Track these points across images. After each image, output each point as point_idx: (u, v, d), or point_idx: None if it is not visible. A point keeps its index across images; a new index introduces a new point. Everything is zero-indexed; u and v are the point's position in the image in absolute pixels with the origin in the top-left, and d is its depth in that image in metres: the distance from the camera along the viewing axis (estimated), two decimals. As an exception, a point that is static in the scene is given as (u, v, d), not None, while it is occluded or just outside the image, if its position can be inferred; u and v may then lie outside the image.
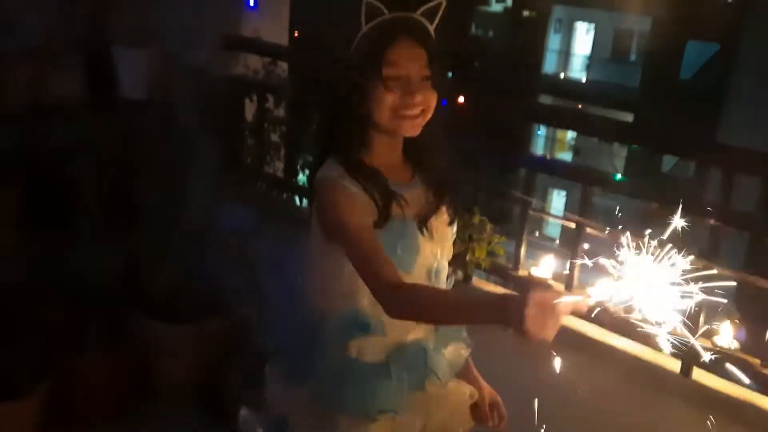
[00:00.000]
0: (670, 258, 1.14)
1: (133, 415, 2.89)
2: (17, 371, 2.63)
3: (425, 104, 1.43)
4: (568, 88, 17.00)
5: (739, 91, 10.84)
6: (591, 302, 1.17)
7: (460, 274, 2.49)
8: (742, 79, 10.81)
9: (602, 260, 1.18)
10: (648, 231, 1.16)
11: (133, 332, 2.95)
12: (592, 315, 1.19)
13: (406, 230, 1.46)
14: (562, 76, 18.19)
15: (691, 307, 1.12)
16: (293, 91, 3.09)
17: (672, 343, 1.14)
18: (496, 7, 18.79)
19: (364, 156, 1.46)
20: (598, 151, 14.17)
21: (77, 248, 2.99)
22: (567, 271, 2.46)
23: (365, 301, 1.44)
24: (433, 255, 1.53)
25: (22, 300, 2.80)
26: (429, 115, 1.45)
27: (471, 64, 15.39)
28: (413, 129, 1.44)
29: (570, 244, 2.47)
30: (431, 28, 1.45)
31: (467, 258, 2.44)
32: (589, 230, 2.38)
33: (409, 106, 1.41)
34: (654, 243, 1.15)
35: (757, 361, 2.07)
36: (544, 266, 2.53)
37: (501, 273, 2.56)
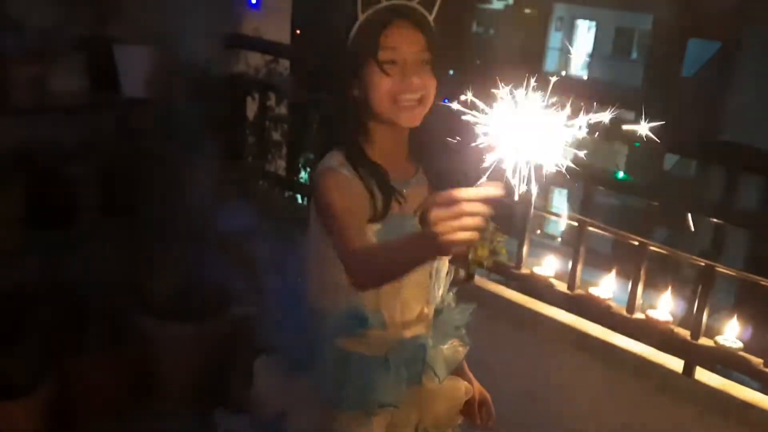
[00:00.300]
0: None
1: (134, 414, 2.89)
2: (18, 371, 2.63)
3: (424, 89, 1.41)
4: (569, 87, 16.97)
5: (740, 88, 10.83)
6: (494, 187, 1.03)
7: (462, 272, 2.49)
8: (743, 77, 10.80)
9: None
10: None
11: (134, 332, 2.95)
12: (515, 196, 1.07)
13: (406, 226, 1.46)
14: (563, 73, 18.18)
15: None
16: (295, 89, 3.08)
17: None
18: (497, 5, 18.78)
19: (367, 148, 1.46)
20: (599, 149, 14.15)
21: (78, 248, 2.99)
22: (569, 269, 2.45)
23: (364, 295, 1.43)
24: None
25: (23, 300, 2.79)
26: (429, 104, 1.43)
27: (472, 61, 15.38)
28: (412, 119, 1.43)
29: (572, 242, 2.46)
30: (430, 17, 1.44)
31: (469, 257, 2.43)
32: (590, 228, 2.37)
33: (407, 90, 1.40)
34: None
35: (759, 361, 2.06)
36: (547, 265, 2.52)
37: (503, 272, 2.56)
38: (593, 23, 18.03)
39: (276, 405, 1.59)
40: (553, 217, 3.23)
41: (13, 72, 2.75)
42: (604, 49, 17.64)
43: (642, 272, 2.26)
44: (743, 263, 3.62)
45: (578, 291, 2.40)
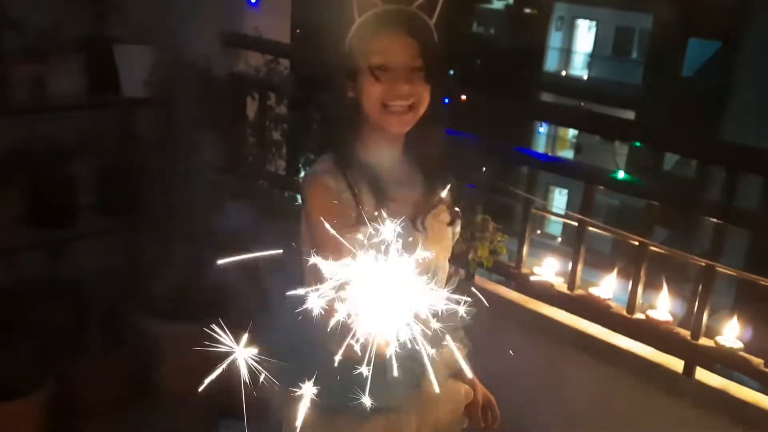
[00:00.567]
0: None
1: (134, 414, 2.89)
2: (18, 371, 2.63)
3: (415, 97, 1.40)
4: (570, 86, 16.97)
5: (740, 88, 10.83)
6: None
7: (462, 273, 2.49)
8: (744, 76, 10.80)
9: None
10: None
11: (134, 332, 2.95)
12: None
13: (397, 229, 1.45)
14: (563, 73, 18.17)
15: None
16: (295, 89, 3.08)
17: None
18: (497, 5, 18.76)
19: (360, 151, 1.46)
20: (600, 148, 14.15)
21: (77, 248, 2.99)
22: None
23: None
24: (436, 255, 1.52)
25: (23, 300, 2.80)
26: (420, 111, 1.43)
27: (472, 61, 15.37)
28: (400, 125, 1.43)
29: (572, 242, 2.46)
30: (430, 22, 1.43)
31: (470, 257, 2.43)
32: (591, 228, 2.37)
33: (396, 96, 1.39)
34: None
35: (760, 361, 2.06)
36: (547, 265, 2.52)
37: (503, 272, 2.56)
38: (593, 23, 18.02)
39: (275, 412, 1.58)
40: (554, 217, 3.23)
41: (13, 71, 2.75)
42: (604, 48, 17.63)
43: (642, 272, 2.26)
44: (743, 263, 3.62)
45: (578, 291, 2.40)
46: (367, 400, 1.46)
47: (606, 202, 12.25)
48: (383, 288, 1.01)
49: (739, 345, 2.10)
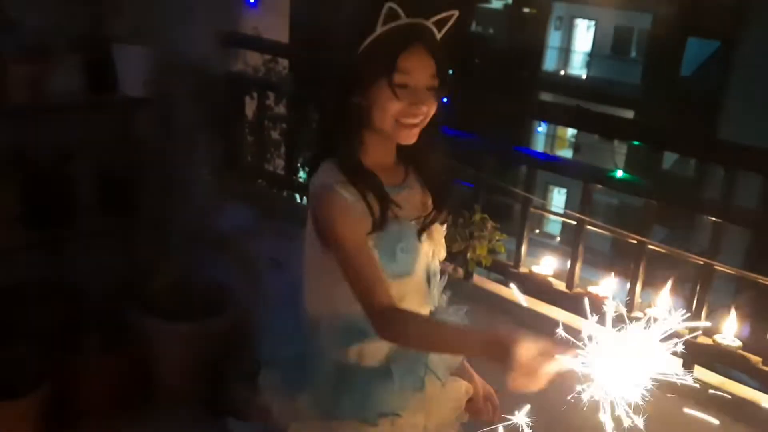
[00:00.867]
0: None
1: (133, 414, 2.89)
2: (17, 371, 2.63)
3: (427, 114, 1.41)
4: (569, 85, 16.98)
5: (739, 88, 10.83)
6: (578, 365, 1.22)
7: (460, 272, 2.49)
8: (742, 76, 10.80)
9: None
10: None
11: (133, 331, 2.95)
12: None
13: (404, 232, 1.46)
14: (562, 73, 18.17)
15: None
16: (294, 89, 3.08)
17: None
18: (496, 4, 18.77)
19: (362, 157, 1.45)
20: (598, 148, 14.16)
21: (77, 248, 2.99)
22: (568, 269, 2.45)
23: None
24: (430, 255, 1.53)
25: (23, 300, 2.79)
26: (426, 122, 1.43)
27: (471, 60, 15.37)
28: (410, 137, 1.43)
29: (571, 241, 2.47)
30: (438, 35, 1.42)
31: (468, 256, 2.43)
32: (589, 227, 2.37)
33: (413, 115, 1.39)
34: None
35: (758, 359, 2.06)
36: (545, 264, 2.52)
37: (502, 270, 2.56)
38: (592, 22, 18.02)
39: (279, 417, 1.58)
40: (552, 216, 3.23)
41: (12, 71, 2.75)
42: (603, 48, 17.63)
43: (641, 271, 2.26)
44: (742, 261, 3.62)
45: (577, 290, 2.40)
46: (372, 406, 1.46)
47: (605, 201, 12.27)
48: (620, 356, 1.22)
49: (738, 343, 2.10)
